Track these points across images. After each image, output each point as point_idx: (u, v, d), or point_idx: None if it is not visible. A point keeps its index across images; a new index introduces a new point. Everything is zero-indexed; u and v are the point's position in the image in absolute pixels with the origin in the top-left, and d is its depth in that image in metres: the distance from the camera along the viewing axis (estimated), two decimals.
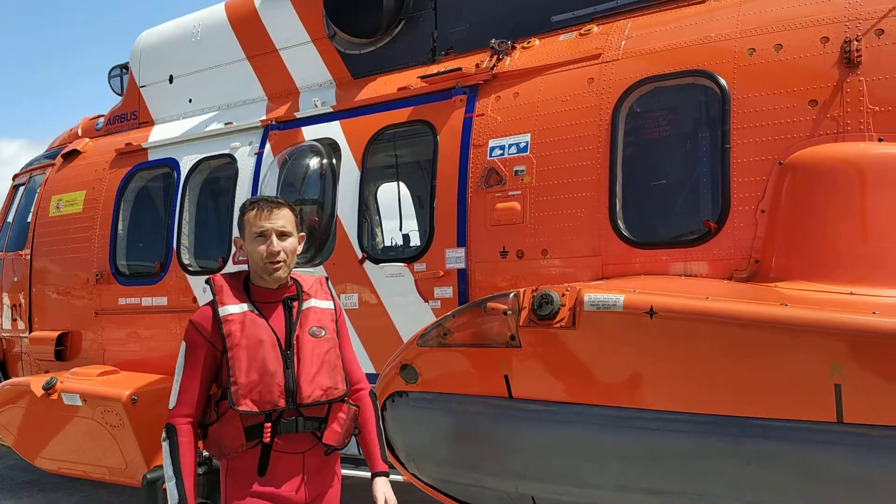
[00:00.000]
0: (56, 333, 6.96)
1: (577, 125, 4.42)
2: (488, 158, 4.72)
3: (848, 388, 2.52)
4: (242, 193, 5.88)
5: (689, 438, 2.74)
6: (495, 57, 4.97)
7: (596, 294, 2.93)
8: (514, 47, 4.97)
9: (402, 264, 4.97)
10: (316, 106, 5.73)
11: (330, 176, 5.41)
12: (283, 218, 2.92)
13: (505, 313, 3.21)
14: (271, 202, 2.95)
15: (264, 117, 6.03)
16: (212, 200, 6.37)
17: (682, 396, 2.80)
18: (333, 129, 5.54)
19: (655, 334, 2.80)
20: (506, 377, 3.26)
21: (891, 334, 2.50)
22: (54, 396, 5.67)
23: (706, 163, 4.12)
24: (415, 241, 6.84)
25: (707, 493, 2.76)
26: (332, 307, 3.04)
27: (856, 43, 3.75)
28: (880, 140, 3.62)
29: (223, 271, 5.92)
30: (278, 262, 2.87)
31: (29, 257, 7.45)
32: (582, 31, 4.76)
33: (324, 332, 2.93)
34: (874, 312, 2.73)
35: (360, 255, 5.18)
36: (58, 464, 6.17)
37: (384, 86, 5.48)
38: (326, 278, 3.14)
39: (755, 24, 4.09)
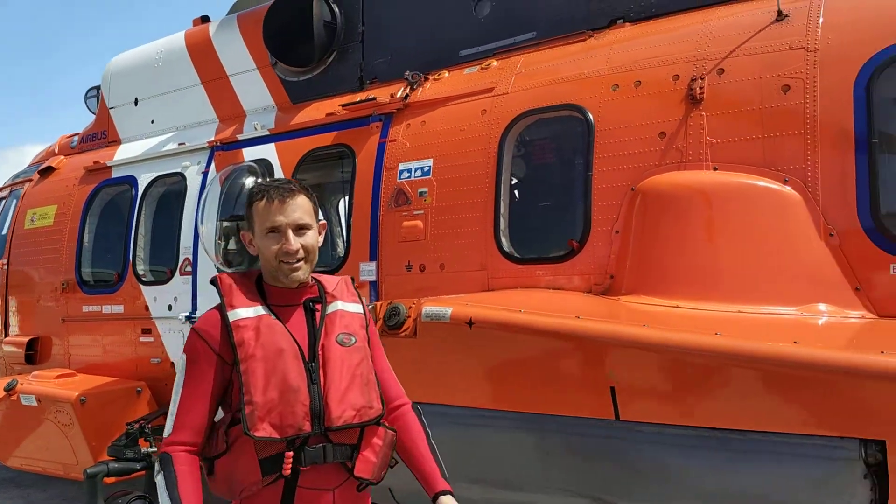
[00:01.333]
0: (27, 338, 7.50)
1: (471, 152, 4.87)
2: (398, 180, 5.18)
3: (621, 390, 2.94)
4: (189, 209, 6.39)
5: (502, 433, 3.17)
6: (409, 87, 5.44)
7: (431, 307, 3.37)
8: (426, 79, 5.44)
9: None
10: (255, 129, 6.23)
11: None
12: (300, 208, 2.45)
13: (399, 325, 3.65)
14: (283, 189, 2.46)
15: (212, 139, 6.55)
16: (164, 216, 6.87)
17: (495, 396, 3.23)
18: (269, 151, 6.03)
19: (474, 342, 3.23)
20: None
21: (654, 345, 2.92)
22: (14, 398, 6.19)
23: (575, 188, 4.55)
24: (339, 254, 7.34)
25: (516, 480, 3.19)
26: (362, 311, 2.59)
27: (700, 81, 4.18)
28: (715, 169, 4.05)
29: (170, 283, 6.54)
30: (297, 261, 2.42)
31: (6, 267, 8.01)
32: (483, 66, 5.22)
33: (354, 340, 2.47)
34: (643, 325, 3.15)
35: None
36: (21, 461, 6.69)
37: (316, 111, 5.96)
38: (351, 278, 2.71)
39: (621, 63, 4.54)
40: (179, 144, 6.82)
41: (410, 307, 3.50)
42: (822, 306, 3.69)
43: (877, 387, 2.80)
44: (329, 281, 2.60)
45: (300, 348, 2.38)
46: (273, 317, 2.41)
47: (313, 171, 5.98)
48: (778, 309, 3.68)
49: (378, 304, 3.66)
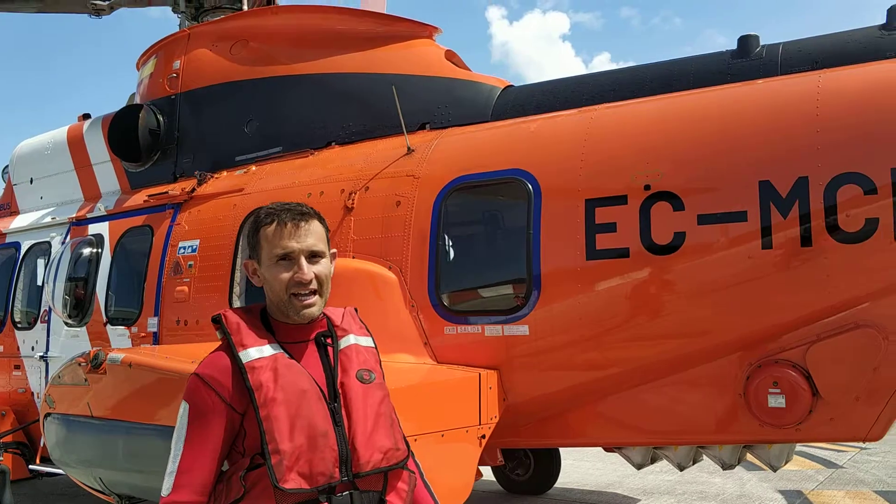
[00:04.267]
0: None
1: (222, 236, 6.55)
2: (177, 255, 6.87)
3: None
4: (50, 271, 8.09)
5: (154, 439, 4.74)
6: (197, 183, 7.15)
7: (113, 354, 4.97)
8: (210, 177, 7.16)
9: (124, 327, 7.10)
10: (99, 210, 7.98)
11: (95, 261, 7.61)
12: (314, 234, 2.26)
13: (80, 364, 5.26)
14: (296, 212, 2.27)
15: (72, 215, 8.29)
16: (34, 275, 8.58)
17: (145, 414, 4.80)
18: (103, 228, 7.76)
19: (133, 377, 4.83)
20: (88, 404, 5.30)
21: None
22: None
23: None
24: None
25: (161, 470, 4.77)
26: (374, 345, 2.41)
27: (353, 195, 5.86)
28: (353, 257, 5.69)
29: (34, 329, 8.22)
30: (310, 292, 2.23)
31: None
32: (246, 170, 6.95)
33: (374, 377, 2.30)
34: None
35: (104, 319, 7.32)
36: None
37: (140, 198, 7.69)
38: (355, 309, 2.52)
39: (320, 176, 6.24)
40: (52, 218, 8.58)
41: (108, 353, 5.11)
42: (403, 355, 5.29)
43: None
44: (335, 312, 2.39)
45: (320, 388, 2.18)
46: (288, 356, 2.19)
47: (129, 245, 7.65)
48: None
49: (91, 350, 5.25)
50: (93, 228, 7.92)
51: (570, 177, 5.13)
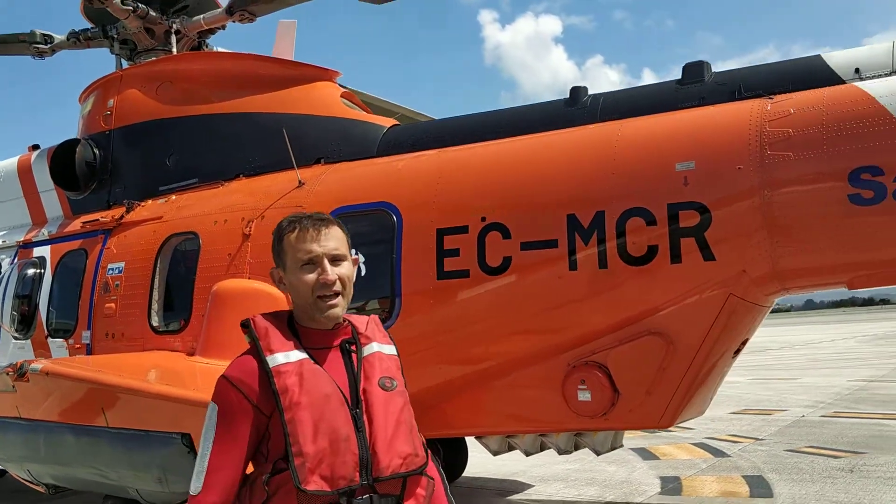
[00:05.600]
0: None
1: (142, 258, 7.42)
2: (106, 276, 7.73)
3: (111, 415, 5.41)
4: (0, 291, 8.93)
5: (64, 436, 5.60)
6: (126, 211, 8.02)
7: (33, 364, 5.85)
8: (137, 205, 8.02)
9: (62, 340, 7.96)
10: (43, 234, 8.83)
11: (38, 280, 8.46)
12: (335, 238, 2.38)
13: (7, 374, 6.12)
14: (317, 219, 2.39)
15: (20, 239, 9.13)
16: None
17: (61, 415, 5.67)
18: (46, 251, 8.61)
19: (50, 384, 5.71)
20: (16, 407, 6.16)
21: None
22: None
23: (185, 286, 7.07)
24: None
25: (68, 460, 5.65)
26: (396, 353, 2.50)
27: (252, 223, 6.76)
28: (249, 278, 6.58)
29: None
30: (334, 293, 2.33)
31: None
32: (166, 199, 7.82)
33: (395, 384, 2.39)
34: (150, 372, 5.66)
35: (46, 332, 8.18)
36: None
37: (77, 224, 8.54)
38: (379, 317, 2.67)
39: (225, 205, 7.13)
40: (3, 241, 9.41)
41: (31, 364, 5.97)
42: None
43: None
44: (359, 320, 2.50)
45: (342, 393, 2.27)
46: (313, 361, 2.29)
47: (67, 267, 8.50)
48: None
49: (18, 361, 6.12)
50: (37, 251, 8.76)
51: (426, 209, 6.05)
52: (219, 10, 8.84)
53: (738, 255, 5.08)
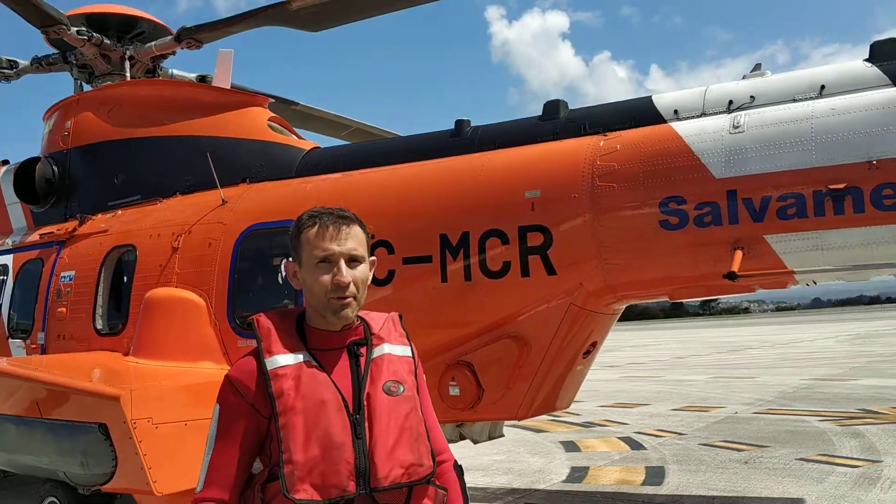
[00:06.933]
0: None
1: (88, 268, 8.27)
2: (59, 283, 8.59)
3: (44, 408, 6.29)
4: None
5: (11, 426, 6.47)
6: (79, 224, 8.87)
7: None
8: (89, 219, 8.87)
9: (20, 340, 8.83)
10: (7, 244, 9.70)
11: (3, 285, 9.34)
12: (354, 238, 2.29)
13: None
14: (337, 216, 2.31)
15: None
16: None
17: (10, 407, 6.55)
18: (9, 259, 9.49)
19: None
20: None
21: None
22: None
23: (123, 292, 7.92)
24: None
25: (16, 450, 6.55)
26: (411, 354, 2.40)
27: (180, 237, 7.60)
28: (176, 287, 7.42)
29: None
30: (347, 297, 2.24)
31: None
32: (114, 214, 8.67)
33: (402, 389, 2.27)
34: (94, 370, 6.52)
35: (6, 333, 9.05)
36: None
37: (37, 235, 9.40)
38: (400, 316, 2.51)
39: (160, 221, 7.98)
40: None
41: None
42: (207, 363, 7.04)
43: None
44: (375, 319, 2.41)
45: (343, 398, 2.19)
46: (315, 363, 2.22)
47: (26, 274, 9.35)
48: (181, 364, 7.01)
49: None
50: (2, 259, 9.64)
51: None
52: (168, 37, 9.69)
53: (575, 270, 5.91)
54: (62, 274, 8.60)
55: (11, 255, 9.52)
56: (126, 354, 7.53)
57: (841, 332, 53.26)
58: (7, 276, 9.40)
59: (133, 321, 7.66)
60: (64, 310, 8.40)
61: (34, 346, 8.66)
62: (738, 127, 5.43)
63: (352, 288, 2.24)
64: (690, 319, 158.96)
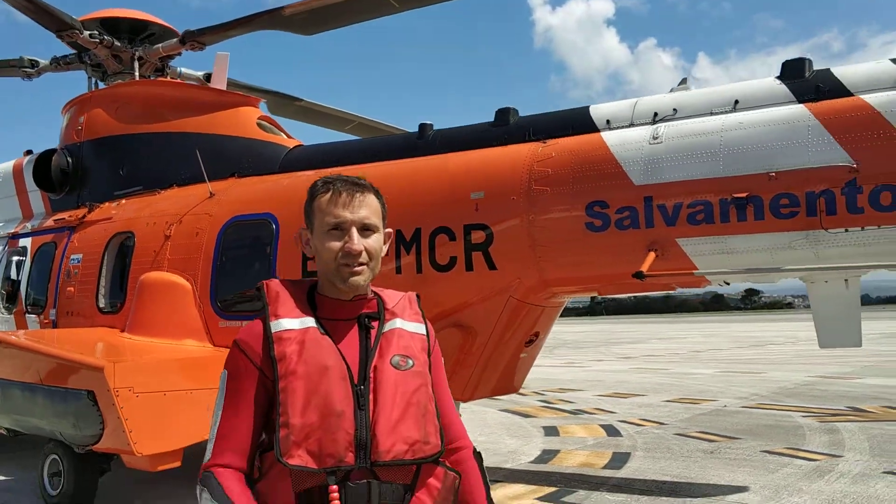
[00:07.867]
0: None
1: (93, 252, 9.08)
2: (69, 264, 9.42)
3: (44, 376, 7.07)
4: None
5: (17, 390, 7.28)
6: (88, 211, 9.68)
7: None
8: (97, 207, 9.68)
9: (35, 315, 9.70)
10: (27, 228, 10.58)
11: (21, 266, 10.22)
12: (368, 206, 2.21)
13: None
14: (351, 183, 2.22)
15: (11, 231, 10.91)
16: None
17: (11, 373, 7.36)
18: (28, 242, 10.37)
19: (3, 352, 7.39)
20: None
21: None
22: None
23: (125, 274, 8.69)
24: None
25: (21, 412, 7.35)
26: (425, 332, 2.27)
27: (171, 226, 8.33)
28: (167, 271, 8.15)
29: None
30: (359, 265, 2.14)
31: None
32: (118, 203, 9.46)
33: (412, 364, 2.15)
34: (98, 344, 7.29)
35: (25, 309, 9.94)
36: None
37: (54, 220, 10.25)
38: (417, 296, 2.40)
39: (156, 210, 8.72)
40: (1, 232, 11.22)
41: None
42: (191, 341, 7.76)
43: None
44: (391, 296, 2.32)
45: (349, 368, 2.08)
46: (321, 330, 2.12)
47: (42, 256, 10.22)
48: (168, 341, 7.74)
49: None
50: (22, 241, 10.54)
51: (297, 220, 7.48)
52: (174, 39, 10.44)
53: (512, 266, 6.45)
54: (72, 256, 9.43)
55: (30, 238, 10.41)
56: (122, 331, 8.31)
57: (873, 331, 52.39)
58: (26, 257, 10.29)
59: (130, 301, 8.43)
60: (72, 289, 9.23)
61: (47, 321, 9.52)
62: (657, 138, 5.90)
63: (364, 256, 2.16)
64: (729, 313, 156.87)
